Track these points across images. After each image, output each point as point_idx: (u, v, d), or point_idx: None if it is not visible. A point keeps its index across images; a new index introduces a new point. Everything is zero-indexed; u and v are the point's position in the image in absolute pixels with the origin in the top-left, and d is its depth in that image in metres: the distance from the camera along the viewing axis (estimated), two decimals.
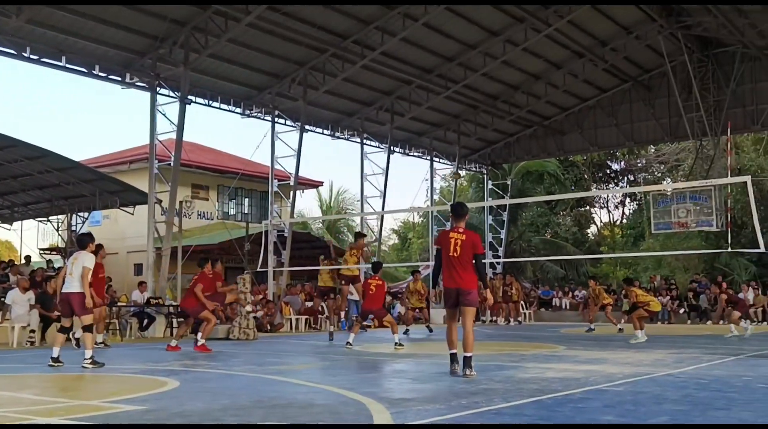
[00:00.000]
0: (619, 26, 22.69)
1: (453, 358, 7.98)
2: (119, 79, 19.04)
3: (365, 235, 14.20)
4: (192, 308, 11.89)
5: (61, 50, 17.62)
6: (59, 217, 23.40)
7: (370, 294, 12.62)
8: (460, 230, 8.04)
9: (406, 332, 15.91)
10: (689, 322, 23.49)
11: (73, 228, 22.67)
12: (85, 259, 9.47)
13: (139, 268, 24.05)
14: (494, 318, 23.31)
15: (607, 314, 18.64)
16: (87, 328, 9.38)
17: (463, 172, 31.22)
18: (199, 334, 11.88)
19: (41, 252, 26.13)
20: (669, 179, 37.32)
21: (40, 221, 24.40)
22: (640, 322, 13.91)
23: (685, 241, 29.27)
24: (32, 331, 13.79)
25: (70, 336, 11.71)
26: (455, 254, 7.91)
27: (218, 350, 11.82)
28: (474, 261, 7.95)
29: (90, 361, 9.07)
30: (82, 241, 9.82)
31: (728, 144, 19.84)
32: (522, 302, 24.25)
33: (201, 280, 11.87)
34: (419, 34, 20.85)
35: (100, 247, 11.26)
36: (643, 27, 22.75)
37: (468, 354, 7.73)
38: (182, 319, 13.07)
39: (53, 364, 9.15)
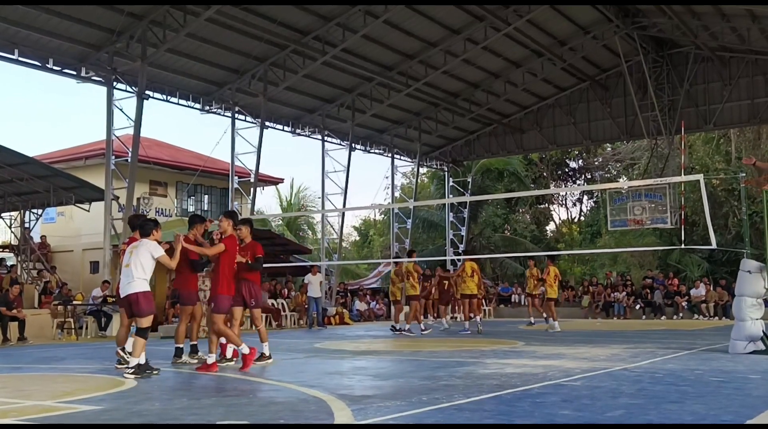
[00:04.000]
0: (577, 26, 23.03)
1: (178, 351, 9.41)
2: (74, 73, 18.63)
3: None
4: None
5: (14, 43, 17.16)
6: (12, 213, 22.85)
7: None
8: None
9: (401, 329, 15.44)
10: (644, 317, 24.00)
11: (27, 225, 22.17)
12: (152, 249, 8.21)
13: (95, 266, 23.61)
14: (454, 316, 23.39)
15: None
16: (141, 333, 7.94)
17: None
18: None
19: None
20: (625, 177, 38.02)
21: None
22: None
23: (640, 238, 29.90)
24: None
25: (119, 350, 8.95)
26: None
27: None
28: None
29: (133, 370, 7.71)
30: (146, 227, 8.37)
31: (682, 143, 20.27)
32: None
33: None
34: (380, 32, 20.86)
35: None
36: (600, 27, 23.13)
37: (194, 342, 9.73)
38: None
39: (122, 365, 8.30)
